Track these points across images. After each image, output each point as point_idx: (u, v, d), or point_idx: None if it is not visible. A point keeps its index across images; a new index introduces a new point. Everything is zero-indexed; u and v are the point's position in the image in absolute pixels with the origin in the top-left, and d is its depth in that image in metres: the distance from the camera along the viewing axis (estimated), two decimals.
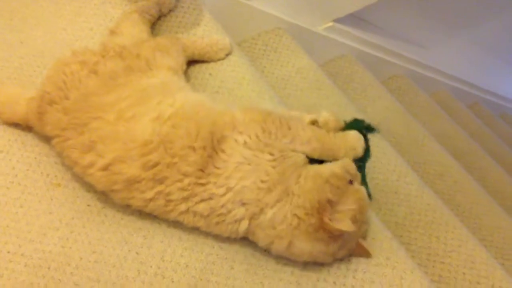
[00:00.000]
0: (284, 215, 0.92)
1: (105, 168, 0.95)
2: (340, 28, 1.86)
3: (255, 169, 0.94)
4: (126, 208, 1.03)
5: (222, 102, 1.07)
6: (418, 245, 1.27)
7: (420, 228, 1.30)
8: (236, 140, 0.96)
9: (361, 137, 1.07)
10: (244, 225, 0.95)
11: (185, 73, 1.19)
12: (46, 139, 1.08)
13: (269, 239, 0.95)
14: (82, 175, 1.00)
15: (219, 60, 1.28)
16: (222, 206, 0.93)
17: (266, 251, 1.00)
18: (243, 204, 0.93)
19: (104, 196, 1.04)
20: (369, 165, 1.41)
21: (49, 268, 0.98)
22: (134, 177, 0.93)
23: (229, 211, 0.94)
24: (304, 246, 0.93)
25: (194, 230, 1.01)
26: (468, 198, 1.62)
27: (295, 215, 0.92)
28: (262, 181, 0.93)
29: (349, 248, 0.98)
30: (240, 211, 0.93)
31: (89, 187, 1.05)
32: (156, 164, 0.93)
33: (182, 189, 0.93)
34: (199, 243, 1.02)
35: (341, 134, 1.06)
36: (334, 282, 0.99)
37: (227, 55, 1.29)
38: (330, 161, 1.01)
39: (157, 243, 1.01)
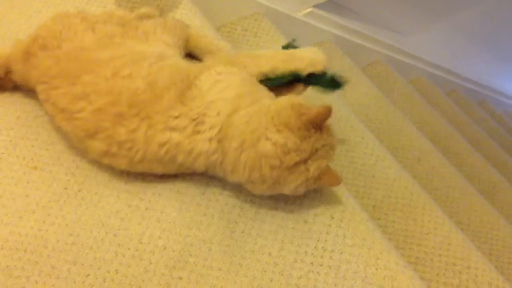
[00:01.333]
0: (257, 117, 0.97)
1: (96, 110, 0.97)
2: (320, 14, 1.86)
3: (228, 84, 1.00)
4: (104, 191, 1.03)
5: None
6: (395, 228, 1.29)
7: (397, 210, 1.32)
8: (210, 72, 1.02)
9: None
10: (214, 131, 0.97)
11: None
12: (24, 83, 1.09)
13: (239, 147, 0.96)
14: (67, 120, 1.01)
15: None
16: (197, 116, 0.97)
17: (244, 233, 1.01)
18: (218, 113, 0.97)
19: (82, 178, 1.03)
20: (347, 148, 1.43)
21: (25, 251, 0.97)
22: (121, 113, 0.96)
23: (203, 121, 0.97)
24: (278, 139, 0.94)
25: (172, 211, 1.01)
26: (445, 182, 1.65)
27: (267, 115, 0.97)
28: (236, 92, 0.99)
29: (320, 165, 0.97)
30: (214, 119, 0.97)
31: (67, 170, 1.04)
32: (141, 101, 0.97)
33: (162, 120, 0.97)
34: (177, 225, 1.02)
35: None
36: (311, 263, 1.00)
37: None
38: None
39: (134, 225, 1.01)
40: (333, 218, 1.06)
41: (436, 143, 1.83)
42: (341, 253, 1.02)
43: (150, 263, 0.98)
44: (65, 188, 1.04)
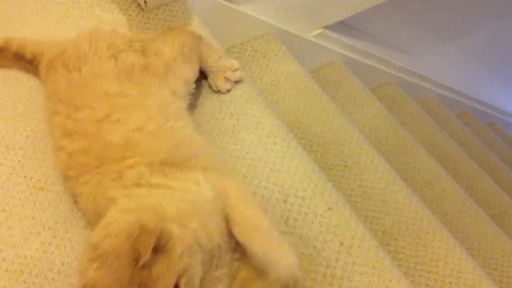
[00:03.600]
0: None
1: (70, 153, 0.95)
2: (330, 35, 1.86)
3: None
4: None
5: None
6: (405, 254, 1.27)
7: (408, 236, 1.29)
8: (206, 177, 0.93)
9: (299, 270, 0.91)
10: None
11: None
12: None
13: None
14: (54, 153, 1.00)
15: (215, 87, 1.25)
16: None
17: None
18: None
19: None
20: (356, 172, 1.42)
21: (30, 274, 0.96)
22: (84, 164, 0.93)
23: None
24: None
25: None
26: (455, 207, 1.62)
27: None
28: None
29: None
30: None
31: None
32: (107, 157, 0.92)
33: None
34: None
35: None
36: None
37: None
38: None
39: None
40: (342, 244, 1.05)
41: (446, 165, 1.81)
42: (350, 281, 1.00)
43: None
44: (72, 210, 1.04)
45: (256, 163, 1.14)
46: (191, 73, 1.13)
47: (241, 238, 0.89)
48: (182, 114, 1.06)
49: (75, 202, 1.02)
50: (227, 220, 0.91)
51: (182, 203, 0.86)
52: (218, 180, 0.95)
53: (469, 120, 2.81)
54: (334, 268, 1.01)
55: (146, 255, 0.69)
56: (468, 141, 2.41)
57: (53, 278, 0.96)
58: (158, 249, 0.72)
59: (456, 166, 1.96)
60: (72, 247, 0.99)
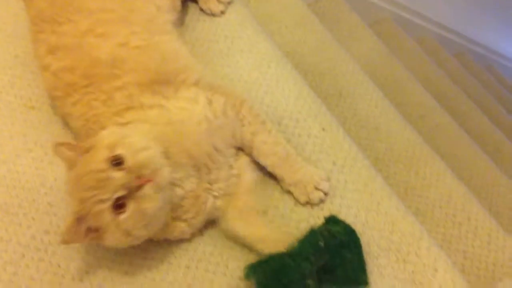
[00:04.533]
0: None
1: (56, 71, 0.94)
2: None
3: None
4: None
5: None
6: (397, 179, 1.28)
7: (400, 163, 1.30)
8: (198, 94, 0.94)
9: (326, 181, 1.01)
10: None
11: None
12: None
13: None
14: (40, 71, 0.99)
15: (208, 10, 1.22)
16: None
17: None
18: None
19: None
20: (351, 101, 1.41)
21: (23, 188, 0.96)
22: (72, 83, 0.92)
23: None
24: None
25: None
26: (448, 139, 1.62)
27: None
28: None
29: None
30: None
31: None
32: (94, 75, 0.92)
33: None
34: None
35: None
36: (312, 207, 0.99)
37: None
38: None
39: None
40: (335, 164, 1.05)
41: (440, 102, 1.80)
42: (342, 198, 1.01)
43: None
44: (63, 129, 1.03)
45: (251, 86, 1.13)
46: None
47: (270, 168, 0.99)
48: (168, 29, 1.04)
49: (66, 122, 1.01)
50: (248, 145, 0.98)
51: (163, 127, 0.89)
52: (220, 95, 0.96)
53: (466, 62, 2.78)
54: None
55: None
56: (464, 80, 2.39)
57: (46, 193, 0.96)
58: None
59: (450, 103, 1.96)
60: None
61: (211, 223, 0.96)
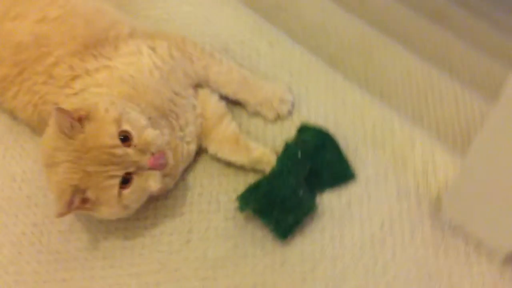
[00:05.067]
0: None
1: None
2: None
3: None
4: None
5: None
6: (355, 71, 1.22)
7: (353, 55, 1.26)
8: (139, 44, 0.92)
9: (289, 92, 1.02)
10: None
11: None
12: None
13: None
14: None
15: None
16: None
17: None
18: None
19: None
20: (291, 9, 1.39)
21: None
22: (4, 76, 0.90)
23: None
24: None
25: None
26: (395, 20, 1.62)
27: None
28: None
29: None
30: None
31: None
32: (25, 60, 0.89)
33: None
34: None
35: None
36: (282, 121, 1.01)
37: None
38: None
39: None
40: (292, 74, 1.06)
41: None
42: (307, 104, 1.02)
43: None
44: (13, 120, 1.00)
45: (186, 21, 1.11)
46: None
47: (232, 96, 0.99)
48: None
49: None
50: (203, 79, 0.98)
51: (119, 86, 0.87)
52: (160, 40, 0.95)
53: None
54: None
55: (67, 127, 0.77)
56: None
57: (19, 187, 0.96)
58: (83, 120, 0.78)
59: None
60: (27, 155, 0.97)
61: (189, 166, 0.97)
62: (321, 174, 0.94)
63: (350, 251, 0.89)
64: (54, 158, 0.79)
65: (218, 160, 0.98)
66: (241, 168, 0.97)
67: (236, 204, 0.92)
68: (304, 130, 0.97)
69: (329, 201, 0.93)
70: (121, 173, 0.78)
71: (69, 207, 0.78)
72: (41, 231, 0.92)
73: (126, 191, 0.79)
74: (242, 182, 0.95)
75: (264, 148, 0.96)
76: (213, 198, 0.96)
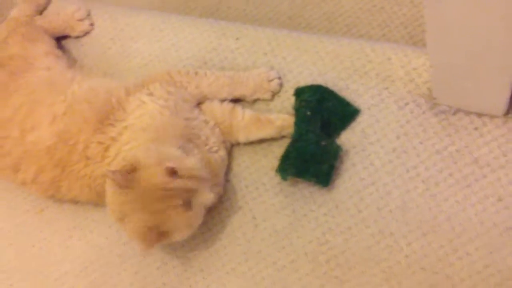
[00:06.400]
0: None
1: (33, 181, 1.07)
2: None
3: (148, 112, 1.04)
4: None
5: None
6: (318, 21, 1.37)
7: (309, 8, 1.38)
8: (139, 97, 1.06)
9: (272, 69, 1.15)
10: None
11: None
12: None
13: None
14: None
15: (81, 32, 1.31)
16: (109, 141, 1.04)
17: None
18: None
19: None
20: None
21: None
22: (52, 179, 1.06)
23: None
24: None
25: None
26: None
27: None
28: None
29: None
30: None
31: None
32: (61, 158, 1.05)
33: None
34: None
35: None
36: (278, 96, 1.15)
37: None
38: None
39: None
40: (266, 54, 1.19)
41: None
42: (291, 72, 1.16)
43: None
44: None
45: (161, 57, 1.25)
46: (47, 47, 1.23)
47: (229, 97, 1.14)
48: (73, 76, 1.17)
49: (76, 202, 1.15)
50: (200, 97, 1.12)
51: (147, 136, 1.02)
52: (151, 84, 1.09)
53: None
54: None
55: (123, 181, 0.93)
56: None
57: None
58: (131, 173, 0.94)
59: None
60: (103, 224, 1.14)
61: (228, 169, 1.13)
62: (331, 121, 1.08)
63: (383, 170, 1.04)
64: (122, 211, 0.96)
65: (250, 149, 1.13)
66: (268, 149, 1.12)
67: (277, 177, 1.07)
68: (300, 92, 1.11)
69: (347, 139, 1.08)
70: (180, 202, 0.93)
71: (150, 244, 0.94)
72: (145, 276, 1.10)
73: (190, 213, 0.95)
74: (272, 158, 1.10)
75: (282, 115, 1.10)
76: (258, 183, 1.11)
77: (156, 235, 0.94)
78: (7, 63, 1.14)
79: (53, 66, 1.15)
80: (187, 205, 0.95)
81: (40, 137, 1.06)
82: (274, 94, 1.15)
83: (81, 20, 1.30)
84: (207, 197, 0.97)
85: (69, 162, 1.04)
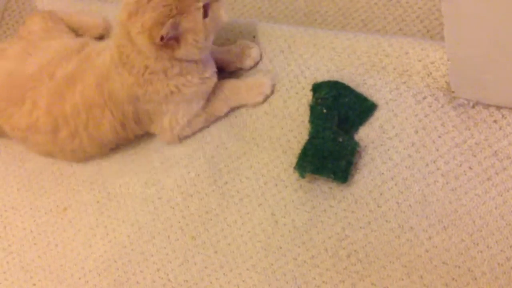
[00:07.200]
0: None
1: (46, 108, 1.14)
2: None
3: None
4: None
5: None
6: (330, 17, 1.39)
7: (321, 6, 1.41)
8: None
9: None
10: None
11: None
12: None
13: None
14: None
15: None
16: None
17: None
18: None
19: None
20: None
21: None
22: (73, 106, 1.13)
23: None
24: None
25: None
26: None
27: None
28: None
29: None
30: None
31: None
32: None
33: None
34: None
35: None
36: None
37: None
38: None
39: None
40: (283, 51, 1.20)
41: None
42: (307, 68, 1.17)
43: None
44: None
45: None
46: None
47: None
48: None
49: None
50: None
51: None
52: None
53: None
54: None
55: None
56: None
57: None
58: None
59: None
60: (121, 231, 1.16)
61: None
62: (348, 117, 1.08)
63: (402, 164, 1.04)
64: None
65: (269, 146, 1.15)
66: (287, 145, 1.13)
67: (296, 174, 1.08)
68: (317, 88, 1.11)
69: (365, 135, 1.08)
70: (201, 4, 1.01)
71: (167, 33, 0.98)
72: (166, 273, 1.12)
73: (206, 20, 1.03)
74: (291, 155, 1.11)
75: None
76: (277, 180, 1.11)
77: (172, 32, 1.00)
78: (26, 37, 1.25)
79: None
80: (206, 13, 1.03)
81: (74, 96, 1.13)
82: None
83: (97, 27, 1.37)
84: (224, 12, 1.07)
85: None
